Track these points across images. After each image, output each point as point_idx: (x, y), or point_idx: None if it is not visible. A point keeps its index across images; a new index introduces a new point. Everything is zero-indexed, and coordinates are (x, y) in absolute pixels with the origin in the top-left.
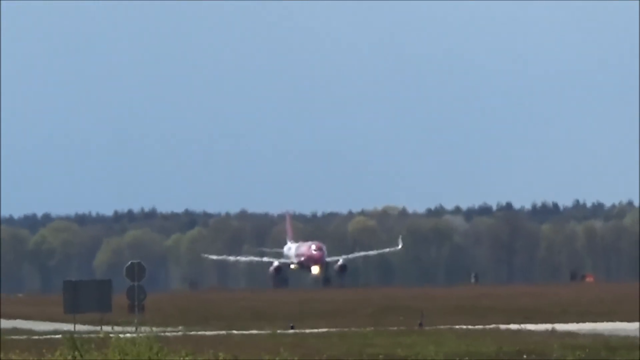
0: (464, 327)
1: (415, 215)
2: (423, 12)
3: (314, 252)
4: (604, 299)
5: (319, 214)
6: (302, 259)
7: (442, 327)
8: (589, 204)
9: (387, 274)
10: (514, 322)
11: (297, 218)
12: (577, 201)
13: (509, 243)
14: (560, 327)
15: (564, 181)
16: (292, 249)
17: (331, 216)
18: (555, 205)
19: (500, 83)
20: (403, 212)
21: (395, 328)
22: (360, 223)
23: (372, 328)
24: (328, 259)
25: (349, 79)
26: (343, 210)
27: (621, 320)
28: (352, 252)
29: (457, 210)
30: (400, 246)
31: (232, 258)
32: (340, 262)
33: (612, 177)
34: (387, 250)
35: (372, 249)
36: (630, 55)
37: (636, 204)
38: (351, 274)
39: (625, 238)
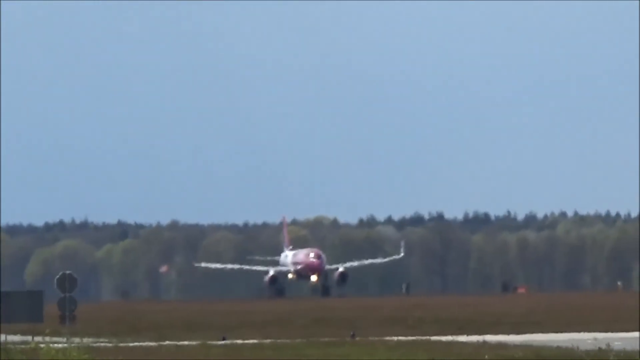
0: (396, 338)
1: (347, 226)
2: (352, 17)
3: (313, 260)
4: (535, 310)
5: (251, 224)
6: (300, 267)
7: (374, 338)
8: (520, 215)
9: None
10: (446, 333)
11: (229, 228)
12: (509, 212)
13: (440, 253)
14: (491, 338)
15: (496, 191)
16: (288, 257)
17: (263, 226)
18: (487, 216)
19: (429, 92)
20: (335, 223)
21: (328, 339)
22: (292, 233)
23: (305, 339)
24: (328, 267)
25: (277, 87)
26: (275, 220)
27: (553, 332)
28: None
29: (388, 221)
30: (402, 254)
31: (228, 267)
32: (341, 269)
33: (544, 188)
34: (390, 258)
35: None
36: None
37: (569, 214)
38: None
39: (557, 249)
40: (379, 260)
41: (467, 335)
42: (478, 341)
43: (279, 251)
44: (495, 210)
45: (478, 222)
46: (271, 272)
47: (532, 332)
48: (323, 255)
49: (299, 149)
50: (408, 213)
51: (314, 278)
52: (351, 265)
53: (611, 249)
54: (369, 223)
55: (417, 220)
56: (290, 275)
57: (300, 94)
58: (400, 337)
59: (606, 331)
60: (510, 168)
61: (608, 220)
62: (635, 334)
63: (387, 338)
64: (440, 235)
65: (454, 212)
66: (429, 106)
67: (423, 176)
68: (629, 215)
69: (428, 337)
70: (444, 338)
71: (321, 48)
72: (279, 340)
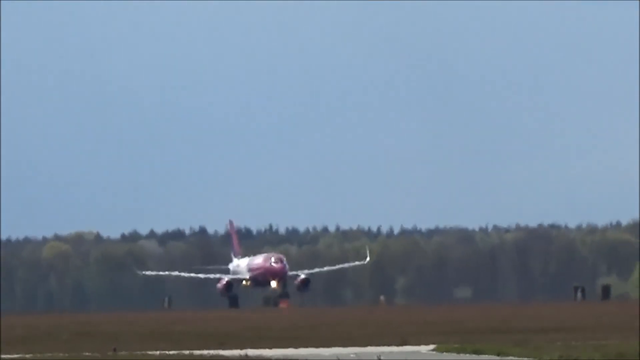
0: (158, 352)
1: (109, 240)
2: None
3: (274, 265)
4: (297, 325)
5: (13, 239)
6: (258, 272)
7: (137, 352)
8: (282, 229)
9: (82, 298)
10: (208, 348)
11: None
12: (271, 225)
13: (202, 267)
14: (253, 352)
15: (257, 206)
16: (242, 264)
17: (25, 241)
18: (249, 230)
19: (181, 109)
20: (98, 237)
21: (89, 354)
22: (55, 248)
23: (67, 354)
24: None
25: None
26: (37, 235)
27: (315, 346)
28: None
29: (151, 235)
30: (367, 259)
31: (173, 274)
32: (302, 276)
33: (306, 202)
34: (353, 264)
35: (67, 275)
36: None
37: (331, 228)
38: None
39: (319, 263)
40: (346, 265)
41: (229, 349)
42: (240, 355)
43: (39, 266)
44: (257, 224)
45: (240, 236)
46: (225, 279)
47: (294, 347)
48: (285, 260)
49: (60, 162)
50: (170, 227)
51: (274, 284)
52: (314, 272)
53: (373, 263)
54: (132, 237)
55: (179, 234)
56: (244, 282)
57: (64, 104)
58: (163, 351)
59: (369, 345)
60: (271, 183)
61: (370, 235)
62: (399, 348)
63: (151, 352)
64: (202, 249)
65: (216, 226)
66: (183, 124)
67: (185, 191)
68: (391, 230)
69: (191, 351)
70: (205, 352)
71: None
72: (39, 355)
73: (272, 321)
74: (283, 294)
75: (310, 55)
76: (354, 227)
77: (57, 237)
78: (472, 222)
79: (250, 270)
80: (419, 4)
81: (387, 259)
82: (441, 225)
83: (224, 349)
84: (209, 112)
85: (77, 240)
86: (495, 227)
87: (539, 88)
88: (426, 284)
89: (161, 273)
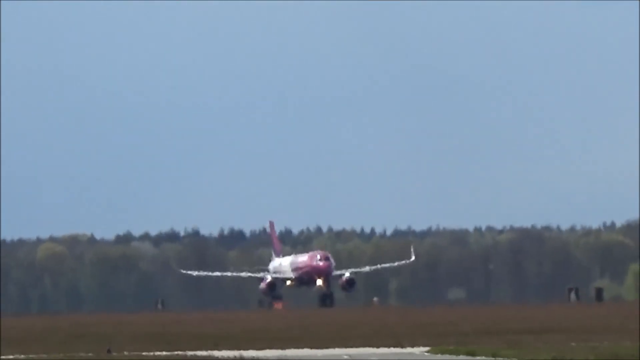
0: (152, 353)
1: (103, 242)
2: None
3: (320, 263)
4: (292, 326)
5: (8, 240)
6: (303, 271)
7: (132, 353)
8: (276, 231)
9: (76, 300)
10: (202, 349)
11: None
12: (265, 228)
13: (196, 269)
14: (248, 354)
15: (251, 208)
16: (284, 263)
17: (20, 243)
18: (242, 232)
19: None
20: (92, 239)
21: (83, 354)
22: (49, 249)
23: (61, 355)
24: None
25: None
26: (31, 236)
27: (310, 347)
28: None
29: (145, 237)
30: (413, 258)
31: (216, 274)
32: (347, 275)
33: (300, 203)
34: (396, 263)
35: (61, 276)
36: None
37: (324, 229)
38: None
39: None
40: (388, 265)
41: (224, 350)
42: (235, 356)
43: (33, 268)
44: (251, 226)
45: (234, 238)
46: (268, 278)
47: (289, 348)
48: (331, 258)
49: (55, 164)
50: (164, 229)
51: (319, 282)
52: (360, 271)
53: (366, 264)
54: (125, 239)
55: (173, 236)
56: (288, 282)
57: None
58: (157, 352)
59: (363, 347)
60: (265, 184)
61: (363, 236)
62: (393, 349)
63: (144, 354)
64: (196, 251)
65: (210, 228)
66: (177, 126)
67: (179, 192)
68: (384, 231)
69: (185, 352)
70: (199, 353)
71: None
72: (34, 356)
73: (267, 322)
74: (329, 294)
75: (302, 56)
76: (348, 228)
77: (51, 239)
78: (466, 223)
79: (294, 269)
80: (411, 4)
81: (380, 260)
82: (434, 226)
83: (218, 350)
84: (203, 113)
85: (72, 241)
86: (489, 228)
87: (533, 89)
88: (420, 285)
89: (198, 273)
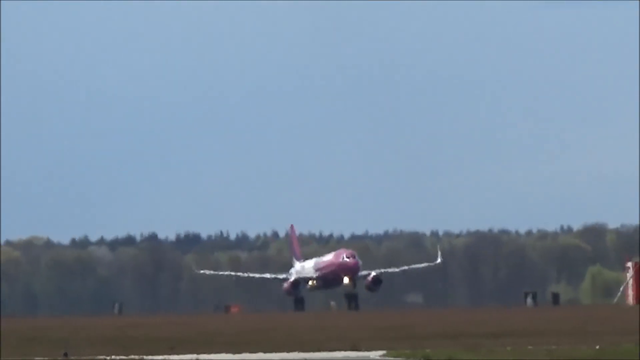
0: (109, 357)
1: (59, 246)
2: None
3: (347, 260)
4: (249, 330)
5: None
6: (329, 270)
7: (89, 357)
8: (232, 235)
9: (33, 304)
10: (159, 353)
11: None
12: (221, 232)
13: (153, 273)
14: (205, 357)
15: (207, 211)
16: (307, 265)
17: None
18: (198, 236)
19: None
20: (48, 243)
21: (40, 359)
22: (5, 253)
23: (17, 359)
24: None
25: None
26: None
27: (266, 351)
28: None
29: (101, 241)
30: (439, 260)
31: (231, 274)
32: (374, 274)
33: (256, 208)
34: (423, 265)
35: (17, 280)
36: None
37: (281, 234)
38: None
39: (270, 268)
40: (418, 266)
41: (181, 354)
42: None
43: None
44: (207, 230)
45: (190, 242)
46: (292, 278)
47: (245, 352)
48: (357, 256)
49: (10, 167)
50: (120, 234)
51: (346, 281)
52: (386, 272)
53: None
54: (82, 243)
55: (129, 240)
56: (310, 283)
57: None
58: (113, 356)
59: (319, 350)
60: (222, 188)
61: (321, 240)
62: (350, 353)
63: (101, 357)
64: (153, 255)
65: (166, 232)
66: (132, 130)
67: (135, 197)
68: (341, 236)
69: (142, 356)
70: (156, 357)
71: None
72: None
73: (223, 326)
74: (354, 295)
75: (255, 61)
76: (305, 233)
77: (7, 243)
78: (423, 227)
79: (319, 269)
80: (365, 4)
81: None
82: (392, 230)
83: (174, 353)
84: (156, 118)
85: (27, 246)
86: (445, 232)
87: (487, 93)
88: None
89: (219, 273)
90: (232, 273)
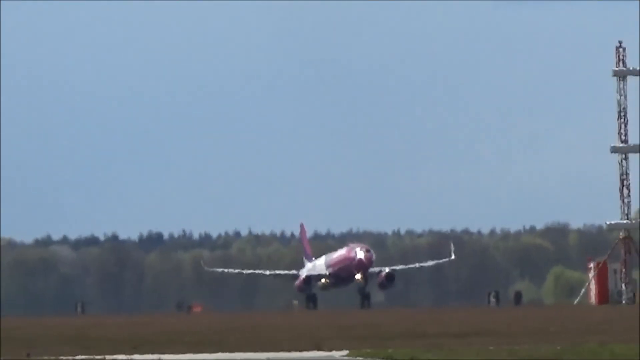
0: (71, 357)
1: (22, 245)
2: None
3: (361, 254)
4: (211, 329)
5: None
6: (342, 265)
7: (51, 357)
8: (195, 234)
9: None
10: (121, 353)
11: None
12: (184, 231)
13: (116, 273)
14: (168, 357)
15: (169, 210)
16: (318, 263)
17: None
18: (160, 235)
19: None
20: (11, 243)
21: (3, 358)
22: None
23: None
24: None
25: None
26: None
27: (229, 351)
28: None
29: (64, 241)
30: (453, 256)
31: (244, 272)
32: (387, 270)
33: (219, 207)
34: (436, 262)
35: None
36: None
37: (243, 233)
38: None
39: (232, 268)
40: (428, 264)
41: (143, 354)
42: None
43: None
44: (170, 229)
45: (152, 241)
46: (303, 275)
47: (208, 352)
48: (371, 250)
49: None
50: (84, 233)
51: (358, 276)
52: (400, 269)
53: (286, 268)
54: (45, 242)
55: (92, 240)
56: (322, 280)
57: None
58: (75, 357)
59: (281, 350)
60: (184, 188)
61: (284, 239)
62: (312, 353)
63: (64, 357)
64: (115, 254)
65: (128, 232)
66: (95, 128)
67: (98, 196)
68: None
69: (104, 356)
70: (119, 357)
71: None
72: None
73: (186, 325)
74: (367, 294)
75: (219, 56)
76: (267, 232)
77: None
78: (385, 226)
79: (331, 266)
80: (328, 3)
81: (300, 265)
82: (354, 229)
83: (137, 353)
84: (119, 117)
85: None
86: (408, 232)
87: (453, 91)
88: (339, 288)
89: (226, 270)
90: (242, 271)
